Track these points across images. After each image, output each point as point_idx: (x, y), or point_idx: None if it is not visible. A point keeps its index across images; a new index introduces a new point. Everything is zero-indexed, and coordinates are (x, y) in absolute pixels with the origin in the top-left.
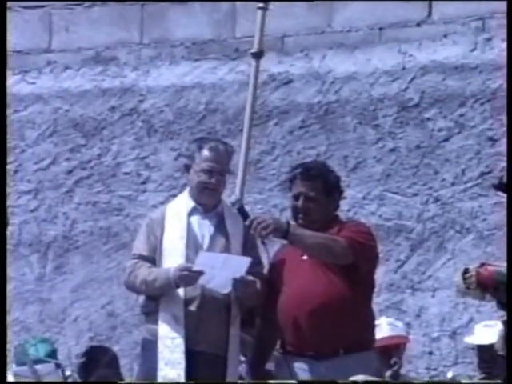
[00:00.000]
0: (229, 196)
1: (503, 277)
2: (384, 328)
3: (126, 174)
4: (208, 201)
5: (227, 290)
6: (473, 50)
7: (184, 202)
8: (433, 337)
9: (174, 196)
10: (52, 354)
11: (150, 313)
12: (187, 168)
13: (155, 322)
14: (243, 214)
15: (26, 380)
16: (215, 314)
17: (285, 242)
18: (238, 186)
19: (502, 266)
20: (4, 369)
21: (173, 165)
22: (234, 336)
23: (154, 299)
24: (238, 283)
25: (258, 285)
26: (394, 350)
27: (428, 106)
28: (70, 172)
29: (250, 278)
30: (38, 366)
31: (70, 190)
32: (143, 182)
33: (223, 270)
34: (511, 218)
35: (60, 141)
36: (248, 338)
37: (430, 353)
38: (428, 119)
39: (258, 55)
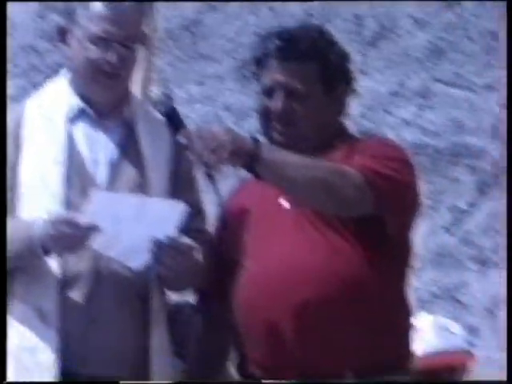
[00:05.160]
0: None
1: None
2: (429, 335)
3: None
4: (104, 96)
5: (142, 262)
6: None
7: (60, 97)
8: None
9: (38, 85)
10: None
11: None
12: (63, 34)
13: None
14: (174, 122)
15: None
16: (120, 308)
17: (249, 175)
18: (142, 74)
19: None
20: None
21: (34, 27)
22: (157, 348)
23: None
24: (161, 250)
25: (199, 254)
26: (447, 374)
27: None
28: None
29: (185, 240)
30: None
31: None
32: None
33: (135, 226)
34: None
35: None
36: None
37: None
38: None
39: None
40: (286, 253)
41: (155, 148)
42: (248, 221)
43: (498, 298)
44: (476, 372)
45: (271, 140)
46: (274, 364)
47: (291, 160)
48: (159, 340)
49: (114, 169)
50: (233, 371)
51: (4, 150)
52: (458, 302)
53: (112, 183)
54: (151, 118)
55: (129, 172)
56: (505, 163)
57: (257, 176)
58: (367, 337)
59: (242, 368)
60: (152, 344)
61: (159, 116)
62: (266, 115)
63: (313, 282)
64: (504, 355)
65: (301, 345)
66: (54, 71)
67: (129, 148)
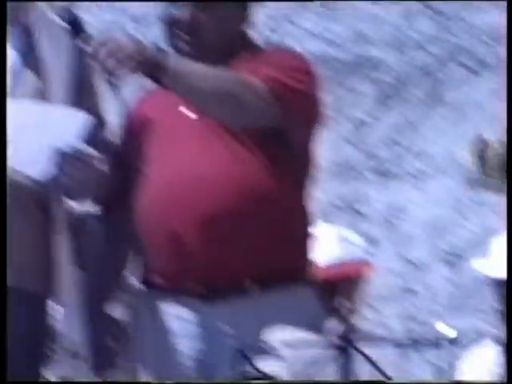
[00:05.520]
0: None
1: None
2: (330, 245)
3: None
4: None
5: (42, 171)
6: None
7: None
8: (417, 263)
9: None
10: None
11: None
12: None
13: None
14: (76, 29)
15: None
16: (21, 217)
17: (154, 84)
18: None
19: None
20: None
21: None
22: (59, 259)
23: None
24: (63, 159)
25: (102, 163)
26: (346, 284)
27: None
28: None
29: (87, 149)
30: None
31: None
32: None
33: (36, 134)
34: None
35: None
36: None
37: (410, 290)
38: None
39: None
40: (188, 162)
41: (56, 55)
42: (152, 130)
43: (397, 209)
44: (374, 281)
45: (176, 49)
46: (176, 273)
47: (197, 70)
48: (62, 250)
49: (14, 75)
50: (134, 281)
51: (4, 148)
52: (358, 212)
53: (12, 90)
54: (52, 25)
55: (29, 79)
56: (406, 76)
57: (162, 86)
58: (268, 246)
59: (144, 277)
60: (54, 254)
61: (60, 22)
62: (171, 24)
63: (214, 192)
64: (401, 265)
65: (202, 254)
66: None
67: (29, 54)
